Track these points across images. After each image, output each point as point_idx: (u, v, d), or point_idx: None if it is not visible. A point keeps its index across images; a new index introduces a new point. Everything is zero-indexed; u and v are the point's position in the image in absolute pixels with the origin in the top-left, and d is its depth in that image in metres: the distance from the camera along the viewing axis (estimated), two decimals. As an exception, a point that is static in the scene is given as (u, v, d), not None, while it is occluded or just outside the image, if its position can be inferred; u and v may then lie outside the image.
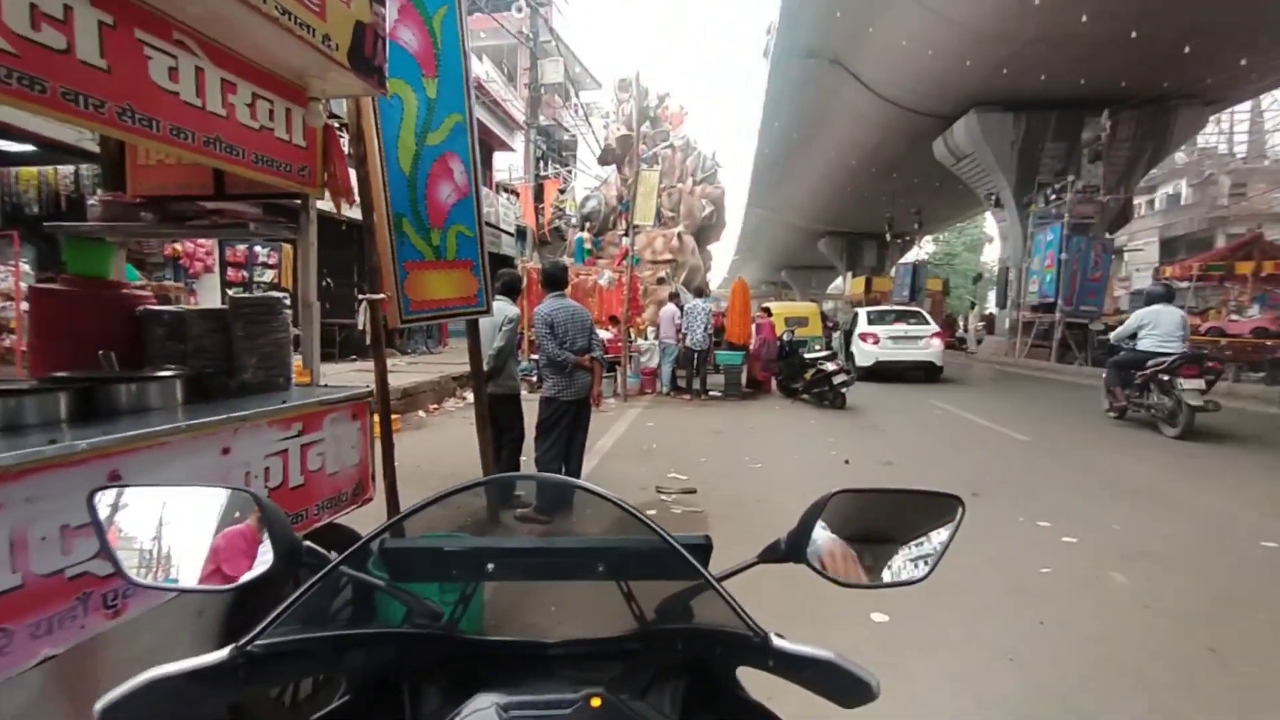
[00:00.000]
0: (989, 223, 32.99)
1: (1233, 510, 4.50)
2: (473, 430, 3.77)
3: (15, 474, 1.15)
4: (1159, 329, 7.22)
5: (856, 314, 13.71)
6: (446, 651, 0.68)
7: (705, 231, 18.99)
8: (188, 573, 0.62)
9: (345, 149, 2.85)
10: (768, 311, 12.70)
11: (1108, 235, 17.21)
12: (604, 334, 10.09)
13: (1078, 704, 2.26)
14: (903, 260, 31.16)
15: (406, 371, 10.14)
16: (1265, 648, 2.65)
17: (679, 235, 15.94)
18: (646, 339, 11.46)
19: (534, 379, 8.92)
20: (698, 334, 10.08)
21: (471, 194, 3.67)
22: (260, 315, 2.14)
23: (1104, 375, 8.31)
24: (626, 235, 12.08)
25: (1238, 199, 22.53)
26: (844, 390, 9.22)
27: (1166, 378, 6.88)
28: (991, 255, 37.06)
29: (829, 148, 24.58)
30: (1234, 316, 12.20)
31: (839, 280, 43.10)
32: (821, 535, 0.66)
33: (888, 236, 31.72)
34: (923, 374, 12.62)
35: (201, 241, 9.89)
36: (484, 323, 4.42)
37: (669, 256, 15.42)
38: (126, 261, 2.93)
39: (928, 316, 13.61)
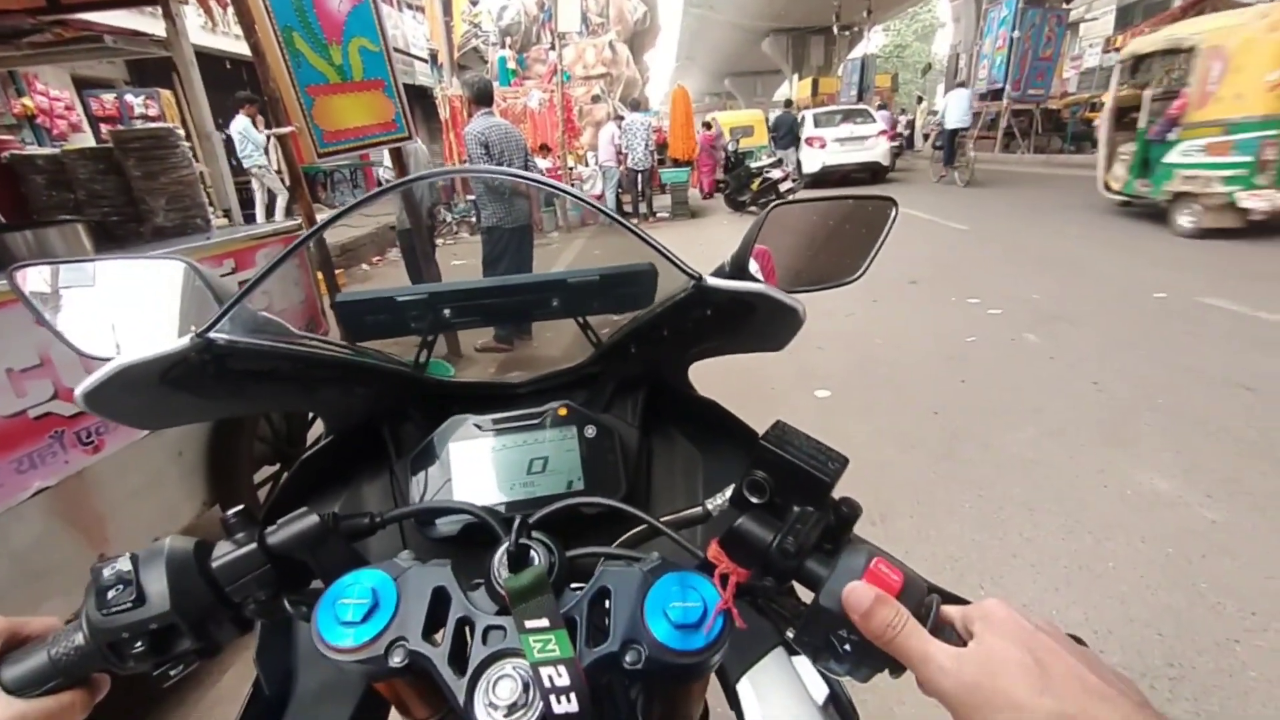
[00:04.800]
0: (942, 6, 30.60)
1: (1138, 271, 4.92)
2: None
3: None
4: (952, 108, 11.66)
5: (803, 116, 13.12)
6: (419, 393, 0.74)
7: (639, 38, 17.19)
8: (137, 341, 0.59)
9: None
10: (708, 126, 12.11)
11: (1065, 5, 16.24)
12: (542, 163, 9.51)
13: (985, 438, 2.65)
14: (850, 56, 29.19)
15: (339, 226, 9.54)
16: (1136, 376, 3.09)
17: (611, 44, 14.40)
18: (587, 165, 10.86)
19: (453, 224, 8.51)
20: (639, 152, 9.59)
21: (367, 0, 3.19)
22: (153, 150, 1.94)
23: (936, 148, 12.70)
24: (553, 49, 10.87)
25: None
26: (791, 198, 9.17)
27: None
28: (943, 45, 34.96)
29: (771, -79, 21.52)
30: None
31: (785, 85, 40.51)
32: (763, 249, 0.67)
33: (835, 29, 29.31)
34: (869, 175, 12.55)
35: (57, 95, 8.52)
36: (414, 151, 4.13)
37: (602, 70, 14.06)
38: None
39: (874, 114, 13.16)
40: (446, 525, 0.63)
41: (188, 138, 2.36)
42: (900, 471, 2.47)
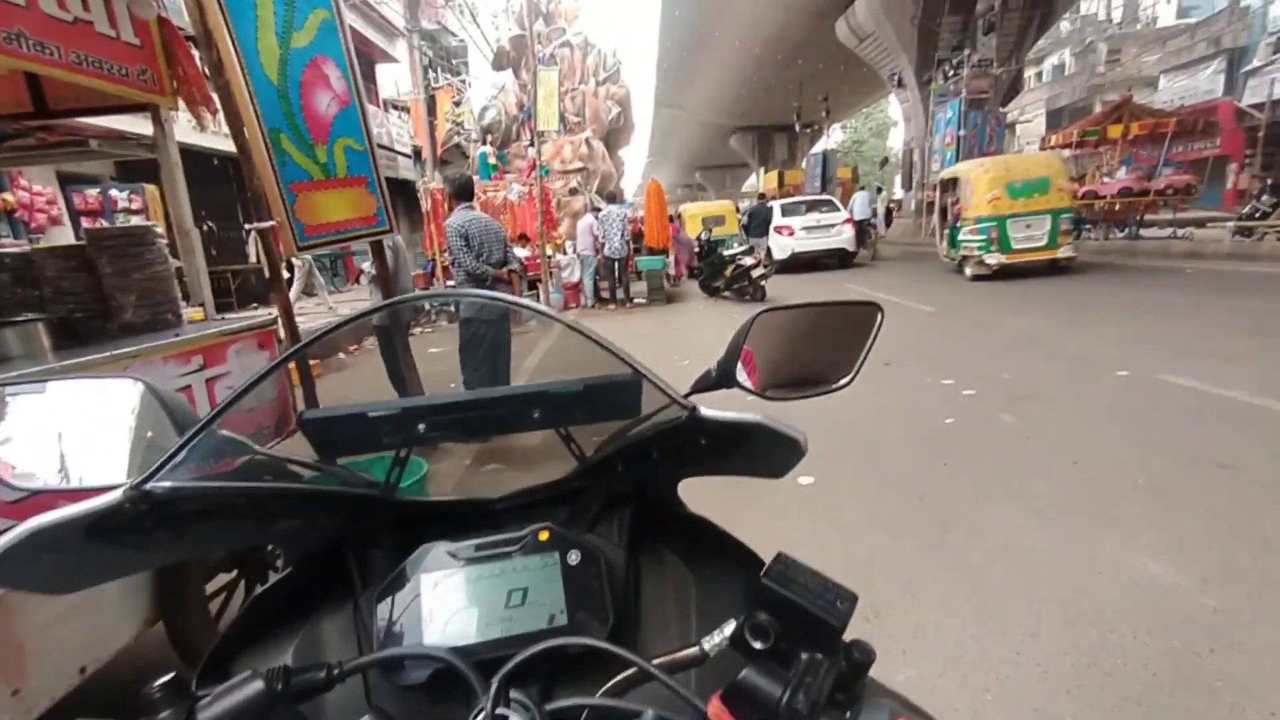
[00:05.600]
0: (894, 106, 33.42)
1: (1098, 349, 5.10)
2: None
3: None
4: (857, 205, 15.21)
5: (771, 206, 13.85)
6: (388, 517, 0.68)
7: (614, 136, 18.26)
8: (82, 472, 0.54)
9: (196, 58, 2.50)
10: (673, 219, 12.81)
11: (1001, 109, 17.86)
12: (521, 252, 9.77)
13: (973, 523, 2.60)
14: (813, 151, 31.39)
15: (316, 313, 9.53)
16: (1112, 453, 3.12)
17: (587, 141, 15.26)
18: (565, 253, 11.18)
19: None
20: (615, 242, 9.93)
21: (354, 102, 3.33)
22: (129, 248, 1.92)
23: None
24: (532, 145, 11.46)
25: (1114, 65, 23.71)
26: (763, 283, 9.49)
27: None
28: (897, 140, 37.89)
29: (733, 35, 23.74)
30: (1105, 179, 13.10)
31: (753, 177, 43.08)
32: (747, 350, 0.66)
33: (797, 127, 31.67)
34: (837, 261, 13.11)
35: (39, 189, 8.62)
36: (397, 243, 4.20)
37: (579, 165, 14.81)
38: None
39: (838, 204, 13.95)
40: (415, 671, 0.57)
41: (170, 232, 2.37)
42: (890, 561, 2.39)
